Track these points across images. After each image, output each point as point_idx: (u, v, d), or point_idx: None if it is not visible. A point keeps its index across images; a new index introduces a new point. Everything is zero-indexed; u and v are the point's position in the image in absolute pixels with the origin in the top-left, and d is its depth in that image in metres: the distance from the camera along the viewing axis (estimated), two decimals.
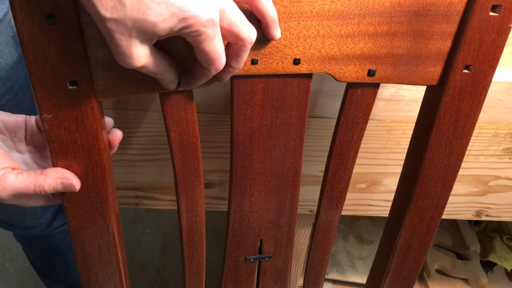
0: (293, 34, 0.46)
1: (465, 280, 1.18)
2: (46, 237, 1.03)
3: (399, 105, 0.70)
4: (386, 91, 0.68)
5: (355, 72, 0.49)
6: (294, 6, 0.45)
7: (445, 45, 0.49)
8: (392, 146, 0.75)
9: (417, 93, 0.67)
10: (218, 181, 0.77)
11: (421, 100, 0.56)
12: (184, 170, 0.53)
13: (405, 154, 0.60)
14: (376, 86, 0.52)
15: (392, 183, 0.79)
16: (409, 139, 0.59)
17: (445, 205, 0.60)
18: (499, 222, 1.24)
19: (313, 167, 0.76)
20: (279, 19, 0.45)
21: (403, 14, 0.46)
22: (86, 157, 0.47)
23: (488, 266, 1.22)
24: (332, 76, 0.49)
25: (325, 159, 0.59)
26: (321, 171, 0.76)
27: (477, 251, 1.21)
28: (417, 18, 0.47)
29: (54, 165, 0.48)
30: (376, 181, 0.79)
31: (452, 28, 0.48)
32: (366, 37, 0.47)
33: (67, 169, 0.48)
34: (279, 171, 0.57)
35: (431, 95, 0.53)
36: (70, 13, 0.40)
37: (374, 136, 0.73)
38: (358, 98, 0.52)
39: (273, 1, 0.44)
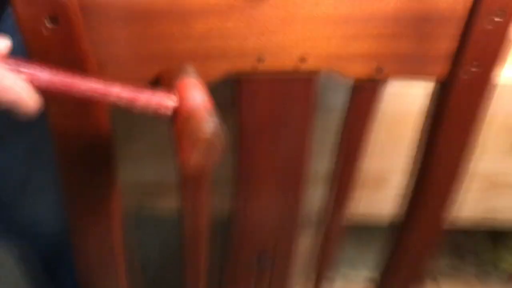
0: (298, 35, 0.46)
1: (466, 280, 1.18)
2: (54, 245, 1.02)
3: (404, 101, 0.70)
4: (391, 87, 0.68)
5: (362, 70, 0.49)
6: (298, 11, 0.44)
7: (452, 45, 0.48)
8: (397, 143, 0.74)
9: (422, 89, 0.67)
10: (219, 183, 0.76)
11: (426, 96, 0.55)
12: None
13: (410, 151, 0.60)
14: (382, 84, 0.51)
15: (397, 180, 0.78)
16: (415, 135, 0.58)
17: (453, 204, 0.59)
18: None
19: (315, 166, 0.76)
20: (283, 23, 0.45)
21: (407, 19, 0.46)
22: (91, 158, 0.47)
23: (490, 266, 1.22)
24: (339, 73, 0.49)
25: (329, 156, 0.59)
26: (323, 170, 0.76)
27: (479, 252, 1.22)
28: (421, 23, 0.46)
29: (58, 167, 0.48)
30: (381, 179, 0.79)
31: (457, 31, 0.47)
32: (372, 38, 0.47)
33: (70, 171, 0.48)
34: (284, 171, 0.56)
35: (439, 94, 0.53)
36: (72, 15, 0.40)
37: (379, 132, 0.72)
38: (366, 94, 0.52)
39: (276, 6, 0.44)
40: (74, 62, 0.42)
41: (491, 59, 0.49)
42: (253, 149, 0.54)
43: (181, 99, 0.40)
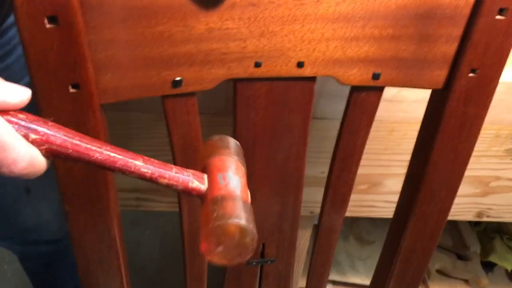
0: (297, 37, 0.46)
1: (466, 281, 1.18)
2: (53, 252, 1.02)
3: (401, 105, 0.70)
4: (388, 91, 0.68)
5: (359, 75, 0.49)
6: (298, 8, 0.44)
7: (451, 48, 0.48)
8: (393, 147, 0.75)
9: (418, 93, 0.67)
10: None
11: (423, 101, 0.55)
12: None
13: (406, 155, 0.60)
14: (381, 89, 0.51)
15: (393, 184, 0.79)
16: (410, 140, 0.58)
17: (450, 210, 0.59)
18: (499, 223, 1.24)
19: (314, 168, 0.76)
20: (283, 22, 0.45)
21: (408, 17, 0.46)
22: (87, 167, 0.47)
23: (489, 266, 1.22)
24: (336, 79, 0.49)
25: (326, 160, 0.59)
26: (323, 172, 0.76)
27: (477, 251, 1.21)
28: (422, 21, 0.46)
29: (56, 170, 0.47)
30: (377, 182, 0.79)
31: (458, 31, 0.47)
32: (371, 40, 0.47)
33: (68, 173, 0.47)
34: (282, 175, 0.56)
35: (437, 99, 0.53)
36: (72, 15, 0.39)
37: (375, 137, 0.73)
38: (362, 101, 0.52)
39: (277, 3, 0.44)
40: (73, 63, 0.41)
41: (491, 63, 0.49)
42: (249, 154, 0.54)
43: (213, 182, 0.35)
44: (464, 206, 0.84)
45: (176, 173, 0.35)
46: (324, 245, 0.65)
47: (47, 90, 0.42)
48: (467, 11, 0.46)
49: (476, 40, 0.47)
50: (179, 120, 0.50)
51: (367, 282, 1.14)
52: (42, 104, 0.43)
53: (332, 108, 0.69)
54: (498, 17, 0.46)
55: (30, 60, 0.41)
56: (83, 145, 0.35)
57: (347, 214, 0.63)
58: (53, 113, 0.43)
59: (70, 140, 0.34)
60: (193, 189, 0.35)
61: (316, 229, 0.64)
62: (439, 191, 0.58)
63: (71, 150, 0.34)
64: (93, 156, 0.35)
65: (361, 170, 0.75)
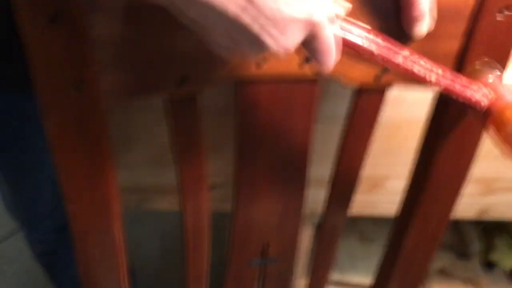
0: None
1: (465, 280, 1.19)
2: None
3: (402, 106, 0.70)
4: (389, 92, 0.68)
5: (362, 76, 0.49)
6: None
7: (453, 48, 0.48)
8: (394, 147, 0.75)
9: (419, 94, 0.67)
10: (220, 182, 0.77)
11: (424, 102, 0.55)
12: (188, 175, 0.53)
13: (407, 155, 0.60)
14: (384, 91, 0.51)
15: (394, 184, 0.79)
16: (411, 140, 0.58)
17: (452, 210, 0.59)
18: (499, 222, 1.24)
19: (315, 167, 0.76)
20: None
21: None
22: (91, 161, 0.47)
23: (489, 265, 1.22)
24: (339, 80, 0.49)
25: (327, 160, 0.59)
26: (323, 172, 0.76)
27: (478, 250, 1.22)
28: None
29: (59, 170, 0.47)
30: (378, 182, 0.79)
31: (460, 30, 0.47)
32: None
33: (70, 172, 0.47)
34: (284, 175, 0.56)
35: (440, 99, 0.53)
36: (75, 13, 0.39)
37: (376, 137, 0.73)
38: (366, 102, 0.52)
39: None
40: (76, 62, 0.41)
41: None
42: (251, 155, 0.54)
43: (497, 94, 0.42)
44: (465, 205, 0.84)
45: (465, 86, 0.41)
46: (326, 246, 0.65)
47: (50, 89, 0.42)
48: (468, 11, 0.46)
49: (478, 40, 0.47)
50: (181, 120, 0.50)
51: (367, 281, 1.14)
52: (45, 104, 0.43)
53: (334, 109, 0.69)
54: (499, 17, 0.46)
55: (32, 59, 0.41)
56: (389, 53, 0.39)
57: (349, 214, 0.63)
58: (55, 112, 0.44)
59: (379, 46, 0.39)
60: (480, 101, 0.42)
61: (317, 228, 0.64)
62: (442, 192, 0.58)
63: (379, 56, 0.40)
64: (398, 64, 0.40)
65: (362, 170, 0.75)
